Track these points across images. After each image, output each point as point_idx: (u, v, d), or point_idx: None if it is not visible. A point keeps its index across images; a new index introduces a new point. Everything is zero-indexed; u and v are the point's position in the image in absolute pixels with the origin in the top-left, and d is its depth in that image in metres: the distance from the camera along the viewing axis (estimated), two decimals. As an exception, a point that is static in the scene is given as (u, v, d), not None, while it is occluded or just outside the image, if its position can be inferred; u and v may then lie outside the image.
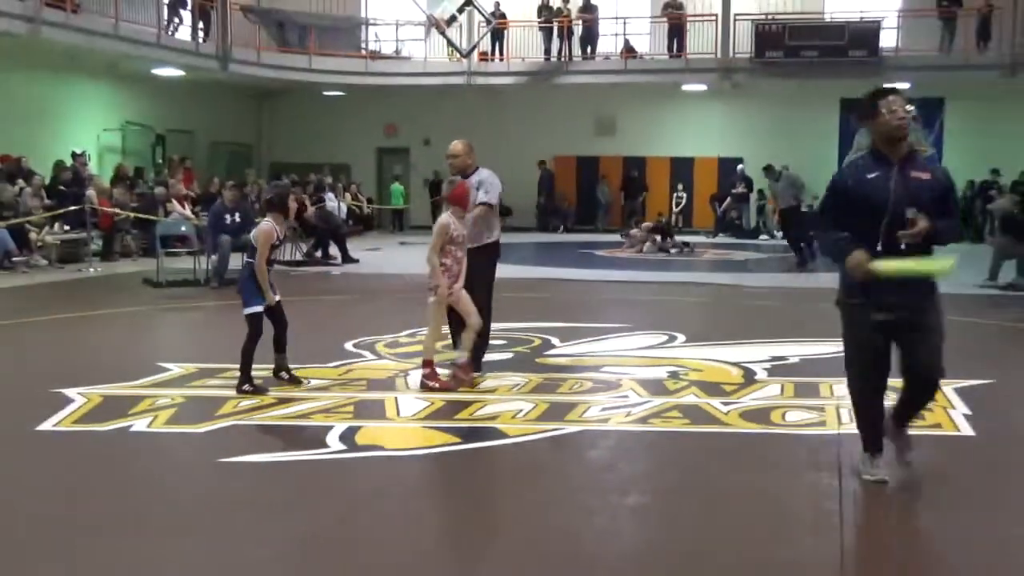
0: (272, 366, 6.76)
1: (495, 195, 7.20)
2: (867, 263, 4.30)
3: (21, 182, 15.87)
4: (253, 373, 6.49)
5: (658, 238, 18.81)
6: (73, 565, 3.82)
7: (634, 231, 19.61)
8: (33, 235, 15.06)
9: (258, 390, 6.46)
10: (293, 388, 6.67)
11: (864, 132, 24.30)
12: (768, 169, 17.86)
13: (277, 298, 6.69)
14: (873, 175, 4.43)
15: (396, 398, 6.42)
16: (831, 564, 3.79)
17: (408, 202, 26.08)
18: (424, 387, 6.62)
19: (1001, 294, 12.36)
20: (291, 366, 6.85)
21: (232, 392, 6.45)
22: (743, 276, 15.23)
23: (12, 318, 10.02)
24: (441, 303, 6.65)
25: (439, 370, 7.24)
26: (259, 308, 6.56)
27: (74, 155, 17.91)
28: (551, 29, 23.50)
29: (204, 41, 21.22)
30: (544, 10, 23.60)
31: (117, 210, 16.47)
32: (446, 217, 6.69)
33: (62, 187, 16.51)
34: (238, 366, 6.50)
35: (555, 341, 8.51)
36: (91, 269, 14.88)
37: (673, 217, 25.05)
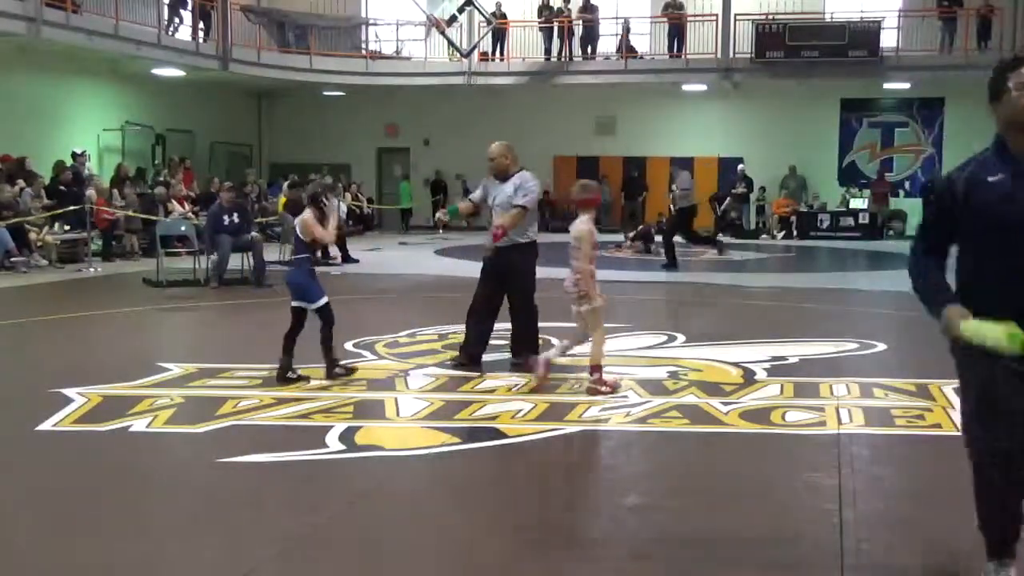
0: (275, 366, 6.79)
1: (532, 199, 7.17)
2: (958, 325, 3.17)
3: (21, 182, 15.85)
4: (250, 373, 6.51)
5: (640, 243, 18.81)
6: (73, 565, 3.82)
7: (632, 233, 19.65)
8: (33, 235, 15.06)
9: (348, 371, 6.88)
10: (294, 386, 6.72)
11: (865, 132, 24.49)
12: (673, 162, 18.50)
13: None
14: (996, 177, 3.19)
15: (396, 398, 6.42)
16: (831, 564, 3.79)
17: (411, 202, 26.07)
18: (592, 392, 6.47)
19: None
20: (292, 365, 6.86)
21: (231, 392, 6.45)
22: (743, 276, 15.22)
23: (12, 318, 10.02)
24: (603, 308, 6.59)
25: (439, 371, 7.26)
26: (327, 299, 6.87)
27: (74, 155, 17.92)
28: (551, 29, 23.49)
29: (204, 41, 21.22)
30: (545, 10, 23.59)
31: (114, 211, 16.45)
32: (588, 223, 6.55)
33: (62, 187, 16.52)
34: (250, 365, 6.53)
35: (555, 341, 8.45)
36: (91, 269, 14.88)
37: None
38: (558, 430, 5.70)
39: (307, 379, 6.80)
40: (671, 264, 15.46)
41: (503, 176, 7.21)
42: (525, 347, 7.25)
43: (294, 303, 6.87)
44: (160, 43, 19.38)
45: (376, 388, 6.72)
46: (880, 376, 7.10)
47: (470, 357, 7.33)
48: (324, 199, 6.99)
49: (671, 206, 17.05)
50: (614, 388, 6.55)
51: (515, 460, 5.29)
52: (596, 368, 6.61)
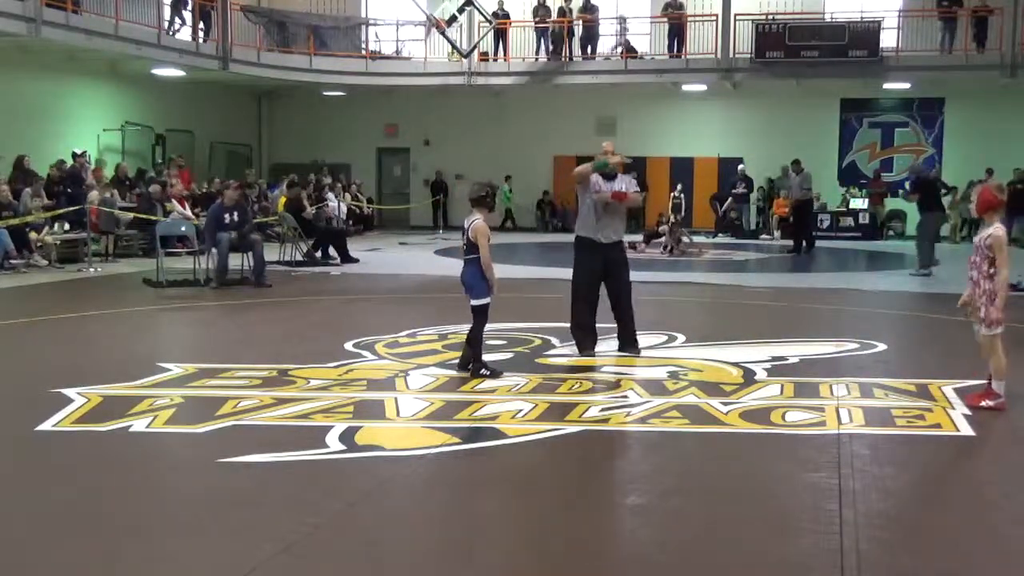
0: (275, 367, 6.78)
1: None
2: None
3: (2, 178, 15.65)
4: (250, 373, 6.50)
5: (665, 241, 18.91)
6: (73, 565, 3.82)
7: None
8: (33, 235, 15.05)
9: (495, 373, 6.89)
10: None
11: (865, 132, 24.49)
12: (795, 162, 20.10)
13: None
14: None
15: (396, 398, 6.42)
16: (831, 564, 3.79)
17: (510, 202, 25.78)
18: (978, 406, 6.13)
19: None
20: (290, 366, 6.85)
21: (231, 392, 6.45)
22: (743, 276, 15.23)
23: (12, 318, 10.02)
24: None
25: (439, 371, 7.26)
26: (488, 300, 6.98)
27: (74, 155, 17.92)
28: (547, 29, 23.47)
29: (204, 41, 21.21)
30: (540, 9, 23.57)
31: (104, 208, 16.42)
32: (1001, 227, 6.01)
33: (60, 187, 16.48)
34: (250, 365, 6.51)
35: (555, 341, 8.50)
36: (91, 269, 14.88)
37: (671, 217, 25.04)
38: (558, 430, 5.70)
39: (499, 373, 6.98)
40: (797, 248, 18.75)
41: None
42: (632, 339, 8.05)
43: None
44: (160, 43, 19.37)
45: (376, 388, 6.72)
46: (880, 376, 7.10)
47: (592, 332, 7.99)
48: (491, 198, 7.09)
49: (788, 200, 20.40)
50: (1001, 406, 6.07)
51: (515, 460, 5.29)
52: (992, 394, 6.15)
